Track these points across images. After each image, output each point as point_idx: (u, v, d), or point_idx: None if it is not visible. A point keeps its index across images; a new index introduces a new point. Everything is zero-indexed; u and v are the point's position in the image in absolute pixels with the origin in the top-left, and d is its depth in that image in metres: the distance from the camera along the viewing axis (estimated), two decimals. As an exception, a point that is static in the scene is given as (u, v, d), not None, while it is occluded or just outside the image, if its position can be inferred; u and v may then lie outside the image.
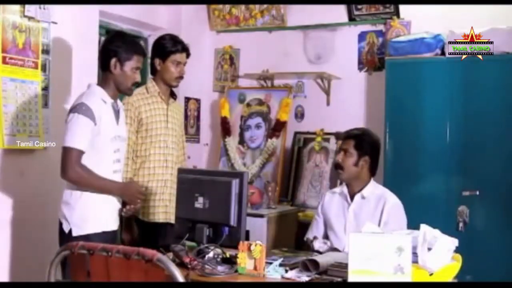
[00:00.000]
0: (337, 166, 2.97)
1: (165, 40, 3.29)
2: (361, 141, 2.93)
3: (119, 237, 3.10)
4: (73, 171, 2.56)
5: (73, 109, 2.62)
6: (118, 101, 2.83)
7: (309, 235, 3.06)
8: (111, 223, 2.73)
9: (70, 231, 2.60)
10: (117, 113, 2.76)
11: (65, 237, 2.58)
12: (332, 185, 4.33)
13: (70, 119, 2.61)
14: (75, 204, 2.63)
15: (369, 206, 2.89)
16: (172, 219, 3.24)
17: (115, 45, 2.72)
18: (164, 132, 3.27)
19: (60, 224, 2.66)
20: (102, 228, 2.66)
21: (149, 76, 3.44)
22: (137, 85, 2.96)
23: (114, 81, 2.72)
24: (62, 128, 3.43)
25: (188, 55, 3.35)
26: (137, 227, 3.21)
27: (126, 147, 2.92)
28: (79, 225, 2.61)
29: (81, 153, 2.58)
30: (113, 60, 2.70)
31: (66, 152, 2.57)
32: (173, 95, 3.39)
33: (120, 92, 2.78)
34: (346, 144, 2.94)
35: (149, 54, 3.36)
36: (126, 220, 3.12)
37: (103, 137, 2.64)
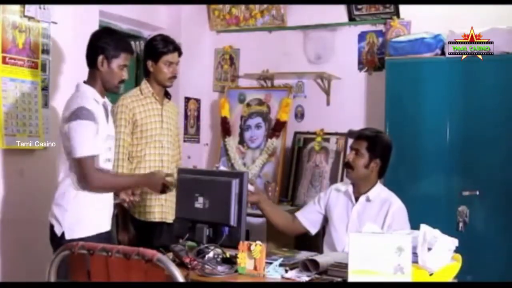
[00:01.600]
0: (346, 165, 2.94)
1: (156, 41, 3.29)
2: (374, 143, 2.89)
3: (115, 238, 3.09)
4: (95, 179, 2.54)
5: (73, 116, 2.52)
6: (106, 98, 2.76)
7: (300, 212, 3.10)
8: (105, 224, 2.70)
9: (63, 234, 2.55)
10: (107, 111, 2.72)
11: (57, 241, 2.51)
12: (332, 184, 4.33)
13: (73, 127, 2.51)
14: (67, 206, 2.57)
15: (373, 208, 2.87)
16: (168, 218, 3.25)
17: (103, 42, 2.66)
18: (159, 132, 3.28)
19: (51, 226, 2.60)
20: (96, 230, 2.61)
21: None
22: (124, 82, 2.89)
23: (101, 78, 2.67)
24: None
25: (180, 54, 3.33)
26: (132, 227, 3.21)
27: (114, 145, 2.87)
28: (72, 228, 2.55)
29: (95, 158, 2.55)
30: (101, 57, 2.65)
31: (82, 163, 2.52)
32: (167, 95, 3.39)
33: (107, 90, 2.71)
34: (358, 144, 2.91)
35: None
36: (122, 221, 3.12)
37: (99, 138, 2.60)
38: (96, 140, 2.56)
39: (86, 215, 2.60)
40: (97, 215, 2.65)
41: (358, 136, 2.96)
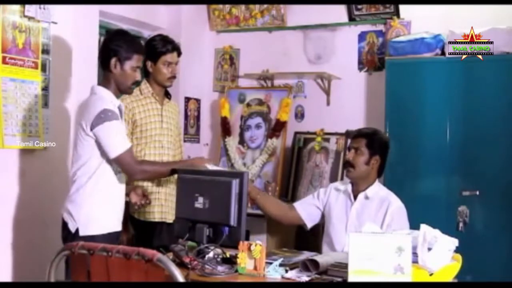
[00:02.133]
0: (346, 164, 2.95)
1: (155, 42, 3.29)
2: (372, 140, 2.92)
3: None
4: (138, 172, 2.68)
5: (100, 120, 2.56)
6: (119, 101, 2.81)
7: (298, 203, 3.11)
8: (116, 224, 2.73)
9: (77, 230, 2.58)
10: (121, 113, 2.75)
11: (71, 237, 2.55)
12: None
13: (102, 130, 2.57)
14: (82, 203, 2.61)
15: (372, 206, 2.88)
16: (168, 218, 3.25)
17: (115, 44, 2.70)
18: (159, 132, 3.28)
19: (65, 223, 2.63)
20: (108, 229, 2.65)
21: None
22: (138, 84, 2.95)
23: (114, 80, 2.71)
24: (62, 128, 3.46)
25: (179, 54, 3.33)
26: (132, 227, 3.21)
27: None
28: (86, 225, 2.59)
29: (131, 150, 2.67)
30: (113, 60, 2.68)
31: (119, 160, 2.62)
32: (167, 95, 3.39)
33: (121, 91, 2.77)
34: (358, 143, 2.92)
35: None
36: (122, 221, 3.12)
37: None
38: (125, 134, 2.68)
39: (100, 213, 2.64)
40: (110, 214, 2.69)
41: (356, 134, 2.99)
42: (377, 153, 2.91)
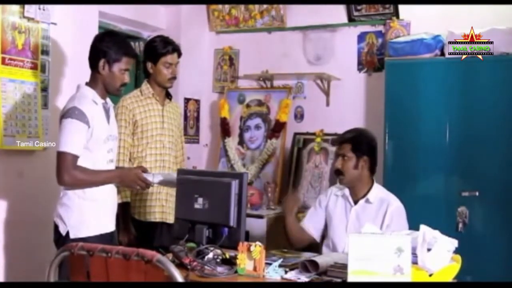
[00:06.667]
0: (337, 172, 2.96)
1: (155, 43, 3.29)
2: (357, 142, 2.92)
3: (116, 238, 3.10)
4: (68, 176, 2.53)
5: (66, 114, 2.56)
6: (108, 99, 2.78)
7: (306, 221, 3.05)
8: (108, 225, 2.73)
9: (68, 233, 2.58)
10: (107, 112, 2.73)
11: (62, 240, 2.54)
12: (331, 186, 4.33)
13: (63, 124, 2.56)
14: (72, 205, 2.60)
15: (372, 208, 2.88)
16: (168, 219, 3.24)
17: (104, 45, 2.67)
18: (160, 133, 3.27)
19: (56, 226, 2.62)
20: (100, 230, 2.64)
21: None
22: (125, 85, 2.88)
23: (102, 81, 2.69)
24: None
25: (179, 55, 3.33)
26: (133, 228, 3.21)
27: (117, 145, 2.90)
28: (77, 227, 2.58)
29: (75, 157, 2.55)
30: (102, 61, 2.66)
31: (61, 157, 2.53)
32: (168, 96, 3.39)
33: (108, 92, 2.73)
34: (343, 149, 2.92)
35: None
36: (123, 222, 3.12)
37: (97, 139, 2.61)
38: (81, 141, 2.56)
39: (90, 215, 2.63)
40: (101, 216, 2.67)
41: (340, 141, 2.97)
42: (364, 154, 2.91)
